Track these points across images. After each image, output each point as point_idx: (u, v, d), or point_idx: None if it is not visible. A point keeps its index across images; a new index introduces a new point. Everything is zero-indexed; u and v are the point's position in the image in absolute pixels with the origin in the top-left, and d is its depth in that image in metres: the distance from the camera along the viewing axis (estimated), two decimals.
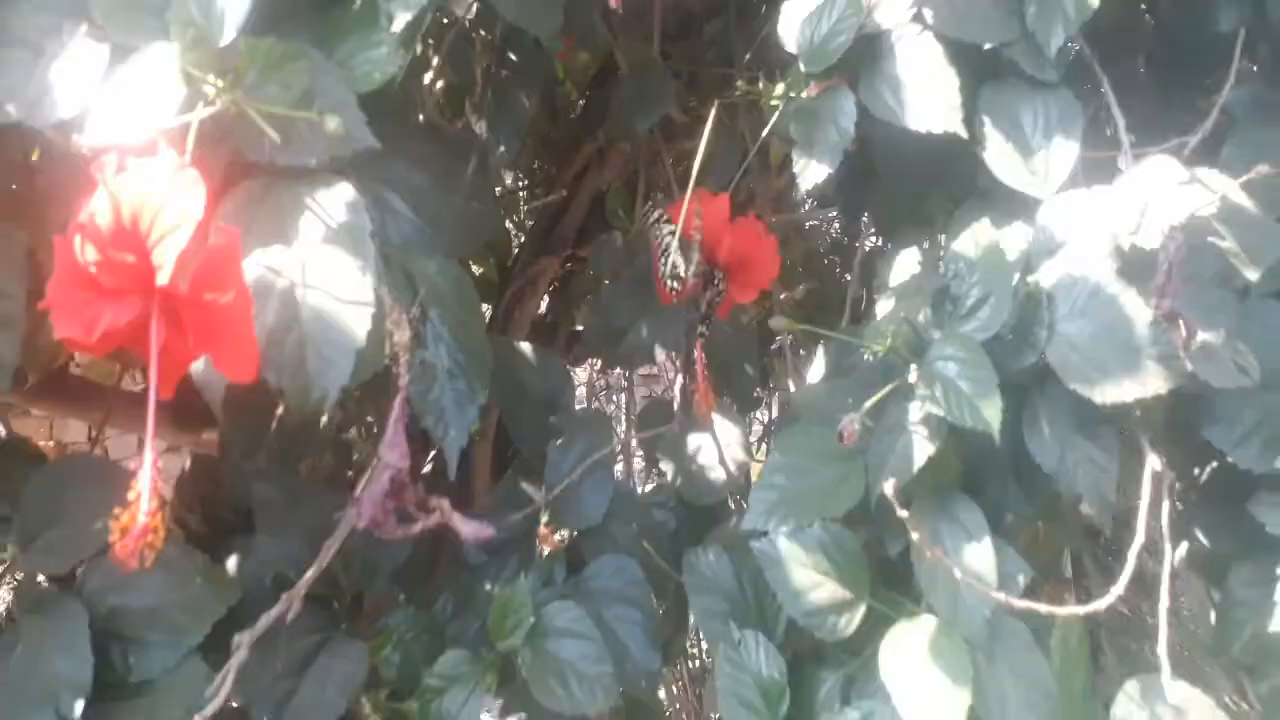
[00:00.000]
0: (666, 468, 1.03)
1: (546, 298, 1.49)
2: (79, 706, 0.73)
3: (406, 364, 0.60)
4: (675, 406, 1.00)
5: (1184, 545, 0.92)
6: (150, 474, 0.53)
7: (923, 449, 0.78)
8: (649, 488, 1.11)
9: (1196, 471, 0.93)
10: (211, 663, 0.75)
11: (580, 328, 1.48)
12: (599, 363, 2.19)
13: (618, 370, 2.06)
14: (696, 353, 0.94)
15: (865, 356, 0.79)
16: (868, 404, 0.77)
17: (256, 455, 0.78)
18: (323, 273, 0.62)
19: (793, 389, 1.30)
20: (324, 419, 0.86)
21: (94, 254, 0.54)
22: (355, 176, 0.67)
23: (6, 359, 0.67)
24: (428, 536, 0.63)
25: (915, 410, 0.79)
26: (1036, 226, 0.82)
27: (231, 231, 0.55)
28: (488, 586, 0.89)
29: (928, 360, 0.77)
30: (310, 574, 0.68)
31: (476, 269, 1.24)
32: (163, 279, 0.53)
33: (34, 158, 0.74)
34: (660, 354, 1.04)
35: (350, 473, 1.15)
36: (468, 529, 0.60)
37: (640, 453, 1.12)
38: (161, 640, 0.77)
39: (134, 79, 0.62)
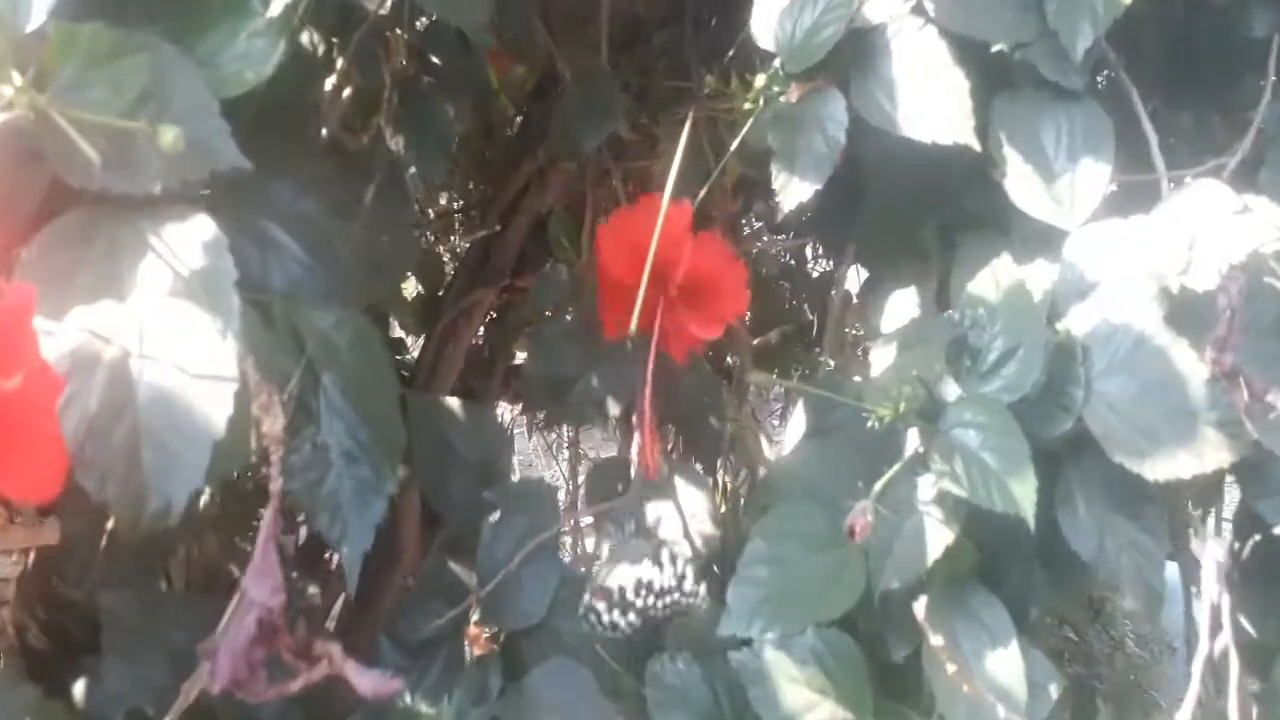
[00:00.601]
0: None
1: (482, 329, 1.34)
2: None
3: (280, 462, 0.44)
4: (631, 470, 0.85)
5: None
6: None
7: (938, 535, 0.64)
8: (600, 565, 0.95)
9: (1236, 546, 0.81)
10: None
11: (520, 359, 1.33)
12: None
13: None
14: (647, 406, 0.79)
15: (870, 424, 0.65)
16: (878, 486, 0.62)
17: (90, 568, 0.61)
18: (168, 337, 0.46)
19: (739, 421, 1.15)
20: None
21: None
22: (226, 205, 0.51)
23: None
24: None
25: (926, 486, 0.66)
26: (1063, 263, 0.69)
27: (22, 289, 0.40)
28: (406, 699, 0.73)
29: (944, 427, 0.64)
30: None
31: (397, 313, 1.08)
32: None
33: None
34: (614, 408, 0.89)
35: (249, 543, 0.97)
36: (366, 682, 0.44)
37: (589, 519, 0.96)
38: None
39: None
